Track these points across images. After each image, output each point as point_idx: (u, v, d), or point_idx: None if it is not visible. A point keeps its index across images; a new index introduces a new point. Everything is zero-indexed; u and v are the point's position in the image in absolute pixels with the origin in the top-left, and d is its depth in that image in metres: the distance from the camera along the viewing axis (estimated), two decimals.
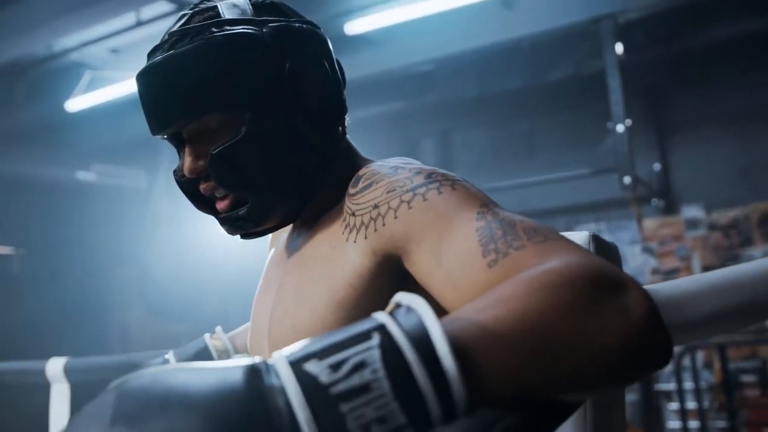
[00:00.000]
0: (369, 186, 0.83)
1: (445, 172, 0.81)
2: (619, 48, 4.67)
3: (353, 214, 0.83)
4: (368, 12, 4.37)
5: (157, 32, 4.79)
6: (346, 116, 0.98)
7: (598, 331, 0.52)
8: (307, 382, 0.44)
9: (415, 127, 6.12)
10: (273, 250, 1.11)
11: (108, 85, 4.45)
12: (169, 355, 1.31)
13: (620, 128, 4.55)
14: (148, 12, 4.20)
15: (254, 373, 0.45)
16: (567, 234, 0.99)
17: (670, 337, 0.57)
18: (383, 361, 0.45)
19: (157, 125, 0.89)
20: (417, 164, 0.86)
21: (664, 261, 5.42)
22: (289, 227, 1.02)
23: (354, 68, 2.49)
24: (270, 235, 1.19)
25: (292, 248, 0.97)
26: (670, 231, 5.44)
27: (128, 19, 4.22)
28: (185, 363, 0.47)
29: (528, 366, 0.50)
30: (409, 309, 0.49)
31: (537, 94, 5.39)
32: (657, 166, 5.66)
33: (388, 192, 0.80)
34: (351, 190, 0.85)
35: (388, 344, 0.46)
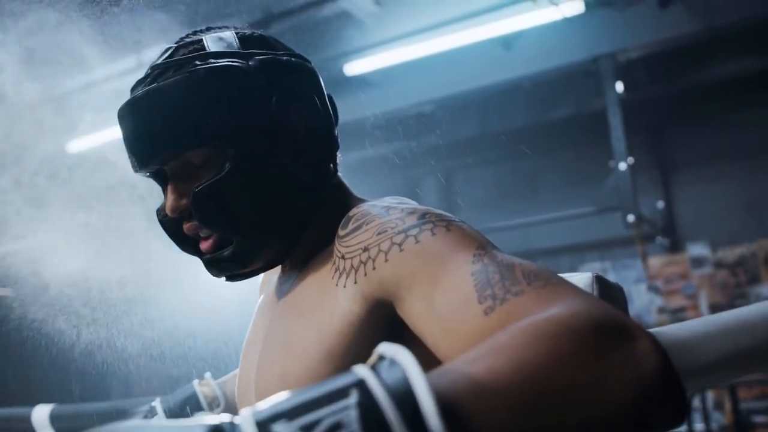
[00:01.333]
0: (359, 228, 0.78)
1: (440, 212, 0.76)
2: (619, 87, 4.68)
3: (343, 257, 0.78)
4: (367, 53, 4.40)
5: None
6: (338, 153, 0.93)
7: (604, 384, 0.47)
8: None
9: (416, 167, 6.11)
10: (263, 294, 1.06)
11: (111, 126, 4.46)
12: (156, 403, 1.26)
13: (623, 166, 4.53)
14: (148, 55, 4.25)
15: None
16: (571, 275, 0.95)
17: (684, 389, 0.51)
18: (361, 422, 0.40)
19: (138, 162, 0.84)
20: (411, 204, 0.81)
21: (671, 299, 5.36)
22: (278, 270, 0.98)
23: (354, 109, 2.47)
24: (260, 278, 1.14)
25: (281, 292, 0.92)
26: (676, 269, 5.39)
27: (130, 61, 4.26)
28: (150, 421, 0.44)
29: (525, 422, 0.45)
30: (393, 362, 0.44)
31: (539, 132, 5.40)
32: (661, 204, 5.63)
33: (378, 234, 0.75)
34: (341, 232, 0.80)
35: (367, 403, 0.41)
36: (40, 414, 1.57)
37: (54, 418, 1.57)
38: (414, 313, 0.69)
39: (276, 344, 0.85)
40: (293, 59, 0.88)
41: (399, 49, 4.38)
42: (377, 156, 5.59)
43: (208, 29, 0.89)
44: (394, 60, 4.43)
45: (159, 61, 0.85)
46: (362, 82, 4.72)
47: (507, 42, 4.61)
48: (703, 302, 5.25)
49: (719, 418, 4.70)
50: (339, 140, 0.93)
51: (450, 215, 0.77)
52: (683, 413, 0.51)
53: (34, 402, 1.58)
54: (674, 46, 4.65)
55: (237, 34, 0.88)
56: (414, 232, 0.72)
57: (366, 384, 0.43)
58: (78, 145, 4.55)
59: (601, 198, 4.98)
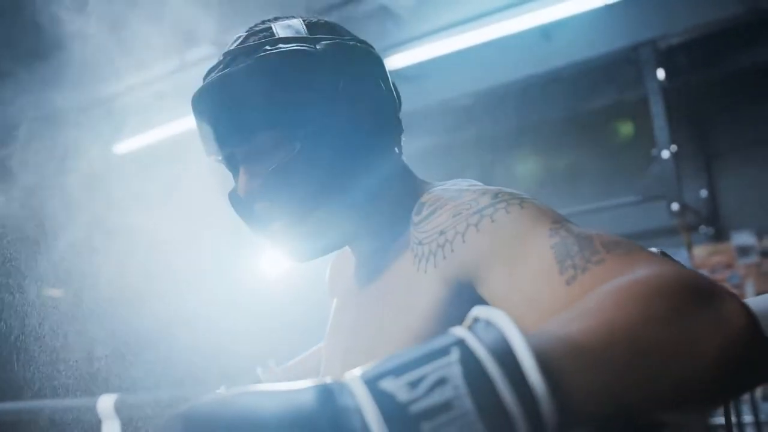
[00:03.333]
0: (433, 212, 0.80)
1: (511, 190, 0.78)
2: (660, 74, 4.61)
3: (420, 243, 0.80)
4: (405, 48, 4.40)
5: (201, 75, 4.90)
6: (402, 136, 0.95)
7: (696, 344, 0.48)
8: (384, 400, 0.41)
9: (456, 160, 6.11)
10: (338, 292, 1.08)
11: (154, 128, 4.55)
12: (221, 391, 1.29)
13: (665, 154, 4.46)
14: (192, 55, 4.31)
15: (326, 393, 0.42)
16: None
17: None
18: (464, 377, 0.42)
19: (212, 146, 0.88)
20: (480, 185, 0.83)
21: None
22: (352, 261, 1.00)
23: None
24: (327, 271, 1.16)
25: (361, 281, 0.95)
26: (721, 259, 5.30)
27: (173, 63, 4.33)
28: (252, 386, 0.44)
29: (620, 381, 0.46)
30: (488, 323, 0.45)
31: (579, 123, 5.35)
32: (704, 193, 5.54)
33: (453, 216, 0.77)
34: (415, 218, 0.83)
35: (469, 359, 0.42)
36: (106, 403, 1.62)
37: (120, 407, 1.62)
38: (496, 290, 0.70)
39: (363, 333, 0.87)
40: (359, 44, 0.90)
41: (436, 42, 4.38)
42: (416, 150, 5.60)
43: (277, 18, 0.91)
44: (432, 54, 4.42)
45: (231, 48, 0.88)
46: (400, 76, 4.72)
47: (546, 32, 4.57)
48: (750, 291, 5.15)
49: None
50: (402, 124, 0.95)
51: (521, 192, 0.78)
52: None
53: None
54: (715, 30, 4.56)
55: (304, 21, 0.91)
56: (489, 211, 0.74)
57: (466, 342, 0.44)
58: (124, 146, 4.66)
59: (644, 187, 4.91)
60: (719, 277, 5.26)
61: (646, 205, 5.00)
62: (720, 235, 5.49)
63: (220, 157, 0.91)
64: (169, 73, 4.37)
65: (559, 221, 0.70)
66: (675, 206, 4.45)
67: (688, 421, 0.51)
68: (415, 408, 0.40)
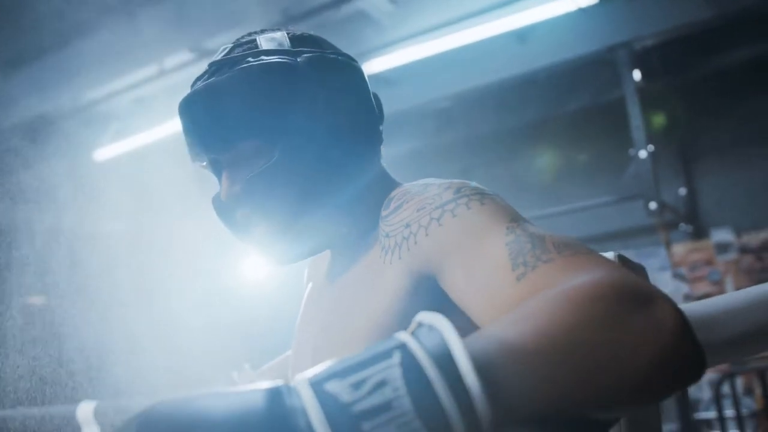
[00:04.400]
0: (400, 206, 0.84)
1: (475, 185, 0.81)
2: (636, 75, 4.66)
3: (387, 235, 0.84)
4: (384, 52, 4.43)
5: (179, 81, 4.93)
6: (381, 146, 0.99)
7: (628, 346, 0.51)
8: (328, 401, 0.43)
9: (435, 164, 6.13)
10: (311, 283, 1.11)
11: (134, 134, 4.54)
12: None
13: (643, 154, 4.51)
14: (170, 62, 4.31)
15: (276, 395, 0.44)
16: None
17: (701, 349, 0.55)
18: (404, 378, 0.44)
19: (196, 152, 0.92)
20: (448, 180, 0.86)
21: (697, 286, 5.32)
22: (328, 257, 1.03)
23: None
24: (306, 270, 1.19)
25: (332, 277, 0.98)
26: (701, 256, 5.35)
27: (151, 69, 4.33)
28: (207, 390, 0.47)
29: (553, 382, 0.49)
30: (431, 327, 0.48)
31: (556, 125, 5.39)
32: (683, 191, 5.60)
33: (418, 210, 0.80)
34: (383, 213, 0.86)
35: (409, 362, 0.45)
36: (85, 410, 1.62)
37: (99, 414, 1.62)
38: (454, 283, 0.74)
39: (330, 328, 0.90)
40: (340, 57, 0.94)
41: (414, 46, 4.41)
42: (395, 153, 5.62)
43: (263, 31, 0.96)
44: (411, 58, 4.45)
45: (216, 59, 0.92)
46: (380, 80, 4.75)
47: (522, 35, 4.61)
48: (730, 288, 5.21)
49: (750, 404, 4.67)
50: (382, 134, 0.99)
51: (484, 188, 0.82)
52: (701, 371, 0.55)
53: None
54: (691, 31, 4.62)
55: (288, 34, 0.95)
56: (451, 206, 0.77)
57: (407, 346, 0.47)
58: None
59: (623, 187, 4.96)
60: (699, 274, 5.32)
61: (625, 204, 5.05)
62: (699, 233, 5.54)
63: (204, 163, 0.95)
64: (147, 79, 4.37)
65: (516, 219, 0.74)
66: (653, 205, 4.50)
67: (620, 417, 0.55)
68: (357, 408, 0.43)
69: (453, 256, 0.74)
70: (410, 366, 0.45)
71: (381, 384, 0.44)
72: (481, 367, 0.46)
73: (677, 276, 5.36)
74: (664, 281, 5.39)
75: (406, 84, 4.90)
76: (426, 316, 0.50)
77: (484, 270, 0.69)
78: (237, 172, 0.90)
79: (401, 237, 0.81)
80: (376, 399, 0.43)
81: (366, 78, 0.97)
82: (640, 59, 4.72)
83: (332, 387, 0.45)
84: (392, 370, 0.45)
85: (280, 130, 0.87)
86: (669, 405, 4.21)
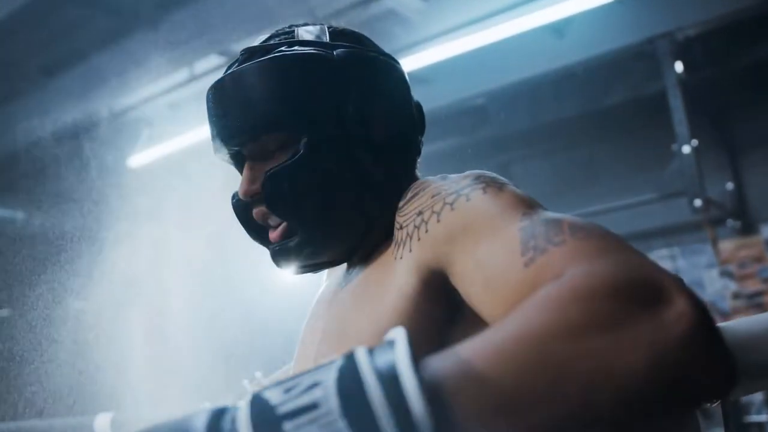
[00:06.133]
0: (415, 195, 0.78)
1: (495, 175, 0.75)
2: (679, 67, 4.50)
3: (400, 227, 0.78)
4: (415, 50, 4.36)
5: (208, 85, 4.92)
6: (418, 158, 0.93)
7: (619, 354, 0.42)
8: (257, 405, 0.43)
9: (471, 162, 6.05)
10: (325, 284, 1.06)
11: (167, 139, 4.57)
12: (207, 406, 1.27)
13: (686, 149, 4.36)
14: (200, 66, 4.32)
15: (217, 412, 0.44)
16: None
17: (728, 356, 0.45)
18: (336, 380, 0.42)
19: (217, 142, 0.87)
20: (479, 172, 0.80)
21: (746, 284, 5.15)
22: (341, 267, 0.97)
23: None
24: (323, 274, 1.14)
25: (344, 283, 0.92)
26: (750, 252, 5.18)
27: (182, 74, 4.35)
28: (172, 416, 0.48)
29: (514, 399, 0.42)
30: (391, 341, 0.45)
31: (595, 120, 5.26)
32: (730, 186, 5.42)
33: (432, 197, 0.74)
34: (399, 204, 0.81)
35: (347, 366, 0.43)
36: (102, 422, 1.61)
37: (116, 426, 1.60)
38: (463, 270, 0.66)
39: (333, 332, 0.84)
40: (380, 57, 0.88)
41: (447, 44, 4.34)
42: (431, 153, 5.51)
43: (305, 24, 0.91)
44: (443, 55, 4.38)
45: (250, 46, 0.87)
46: (412, 78, 4.67)
47: (558, 29, 4.50)
48: None
49: None
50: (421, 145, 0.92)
51: (505, 180, 0.75)
52: (728, 383, 0.44)
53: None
54: (735, 20, 4.45)
55: (329, 28, 0.89)
56: (466, 191, 0.71)
57: (354, 354, 0.44)
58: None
59: (665, 183, 4.81)
60: (748, 271, 5.15)
61: (669, 200, 4.91)
62: (748, 229, 5.37)
63: (226, 156, 0.91)
64: (178, 84, 4.40)
65: (534, 206, 0.67)
66: (698, 202, 4.35)
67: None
68: (282, 409, 0.42)
69: (462, 242, 0.67)
70: (346, 369, 0.43)
71: (312, 386, 0.43)
72: (433, 387, 0.41)
73: (725, 274, 5.20)
74: (711, 279, 5.23)
75: (438, 82, 4.83)
76: (393, 331, 0.46)
77: (493, 256, 0.62)
78: (258, 169, 0.85)
79: (413, 226, 0.75)
80: (303, 400, 0.42)
81: (408, 83, 0.92)
82: (682, 50, 4.56)
83: (268, 393, 0.44)
84: (328, 373, 0.43)
85: (306, 125, 0.82)
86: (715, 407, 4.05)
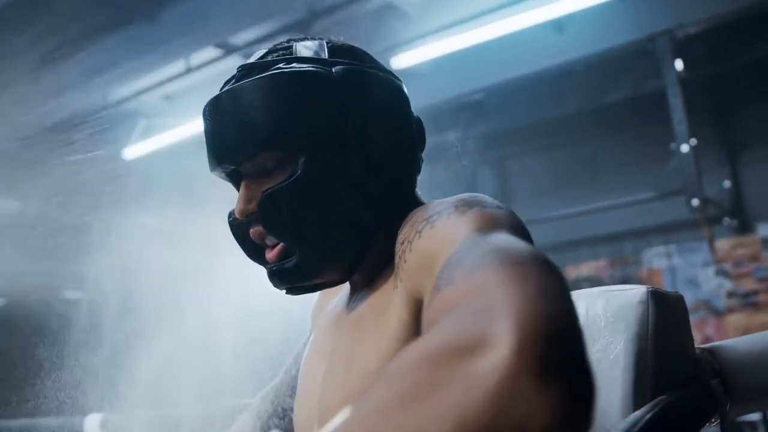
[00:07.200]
0: (405, 225, 0.77)
1: (478, 198, 0.71)
2: (679, 65, 4.49)
3: (396, 256, 0.76)
4: (414, 45, 4.34)
5: (207, 77, 4.94)
6: (418, 174, 0.90)
7: (425, 428, 0.35)
8: None
9: (470, 157, 6.04)
10: (333, 303, 1.03)
11: (163, 131, 4.55)
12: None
13: (685, 148, 4.35)
14: (196, 58, 4.29)
15: None
16: (626, 287, 0.88)
17: (574, 388, 0.37)
18: None
19: (214, 160, 0.85)
20: (451, 200, 0.76)
21: (741, 283, 5.15)
22: (345, 290, 0.95)
23: None
24: (314, 307, 1.13)
25: (349, 308, 0.89)
26: (746, 251, 5.17)
27: (178, 66, 4.32)
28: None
29: None
30: None
31: (595, 117, 5.24)
32: (727, 184, 5.40)
33: (412, 225, 0.73)
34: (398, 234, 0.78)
35: None
36: (93, 423, 1.59)
37: (107, 427, 1.59)
38: (423, 300, 0.65)
39: (339, 364, 0.83)
40: (380, 73, 0.86)
41: (446, 39, 4.31)
42: (430, 147, 5.48)
43: (303, 38, 0.88)
44: (442, 51, 4.35)
45: (247, 62, 0.85)
46: (410, 74, 4.66)
47: (558, 25, 4.47)
48: None
49: None
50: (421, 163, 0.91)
51: (486, 200, 0.71)
52: (582, 416, 0.36)
53: None
54: (735, 18, 4.43)
55: (328, 44, 0.87)
56: (435, 218, 0.69)
57: None
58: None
59: (664, 182, 4.80)
60: (744, 270, 5.14)
61: (667, 199, 4.90)
62: (745, 227, 5.36)
63: (222, 174, 0.88)
64: (175, 76, 4.37)
65: (491, 227, 0.62)
66: (695, 202, 4.34)
67: None
68: None
69: (426, 270, 0.65)
70: None
71: None
72: None
73: (720, 272, 5.20)
74: (706, 278, 5.23)
75: (437, 77, 4.80)
76: None
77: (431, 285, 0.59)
78: (255, 188, 0.83)
79: (398, 256, 0.74)
80: None
81: (408, 99, 0.89)
82: (682, 48, 4.54)
83: None
84: None
85: (304, 144, 0.80)
86: None
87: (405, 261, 0.71)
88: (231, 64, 4.20)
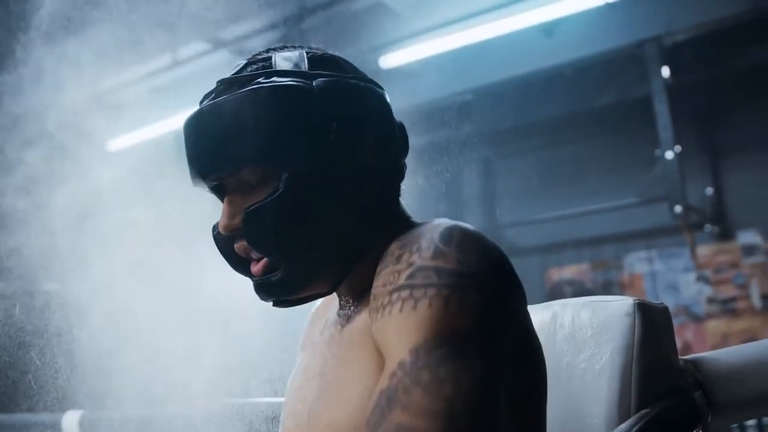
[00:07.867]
0: (386, 266, 0.75)
1: (442, 267, 0.70)
2: (665, 71, 4.52)
3: (373, 296, 0.76)
4: (403, 45, 4.34)
5: (194, 71, 4.90)
6: (401, 183, 0.90)
7: None
8: None
9: (457, 157, 6.04)
10: (323, 320, 1.02)
11: (148, 125, 4.51)
12: None
13: (669, 155, 4.39)
14: (184, 52, 4.26)
15: None
16: (612, 298, 0.90)
17: None
18: None
19: (195, 176, 0.84)
20: (444, 229, 0.74)
21: (721, 289, 5.20)
22: (335, 306, 0.94)
23: (391, 101, 2.41)
24: (306, 327, 1.12)
25: (338, 324, 0.89)
26: (726, 258, 5.23)
27: (165, 59, 4.28)
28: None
29: None
30: None
31: (581, 121, 5.27)
32: (710, 191, 5.46)
33: (383, 286, 0.73)
34: (378, 268, 0.77)
35: None
36: (70, 420, 1.58)
37: (85, 424, 1.58)
38: None
39: (327, 387, 0.83)
40: (361, 83, 0.85)
41: (436, 39, 4.31)
42: (417, 147, 5.49)
43: (282, 48, 0.87)
44: (431, 51, 4.35)
45: (226, 76, 0.84)
46: (399, 73, 4.65)
47: (548, 29, 4.49)
48: (755, 292, 5.09)
49: None
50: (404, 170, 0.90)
51: (469, 248, 0.71)
52: None
53: None
54: (722, 27, 4.47)
55: (308, 54, 0.85)
56: (405, 294, 0.69)
57: None
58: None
59: (647, 188, 4.84)
60: (724, 276, 5.20)
61: (650, 204, 4.94)
62: (725, 234, 5.42)
63: (205, 188, 0.87)
64: (161, 69, 4.33)
65: (431, 341, 0.65)
66: (678, 208, 4.38)
67: None
68: None
69: (383, 348, 0.70)
70: None
71: None
72: None
73: (701, 278, 5.24)
74: (687, 283, 5.28)
75: (426, 76, 4.80)
76: None
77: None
78: (238, 203, 0.82)
79: (373, 305, 0.73)
80: None
81: (390, 107, 0.88)
82: (669, 55, 4.58)
83: None
84: None
85: (286, 160, 0.79)
86: None
87: (373, 321, 0.72)
88: (220, 59, 4.18)
